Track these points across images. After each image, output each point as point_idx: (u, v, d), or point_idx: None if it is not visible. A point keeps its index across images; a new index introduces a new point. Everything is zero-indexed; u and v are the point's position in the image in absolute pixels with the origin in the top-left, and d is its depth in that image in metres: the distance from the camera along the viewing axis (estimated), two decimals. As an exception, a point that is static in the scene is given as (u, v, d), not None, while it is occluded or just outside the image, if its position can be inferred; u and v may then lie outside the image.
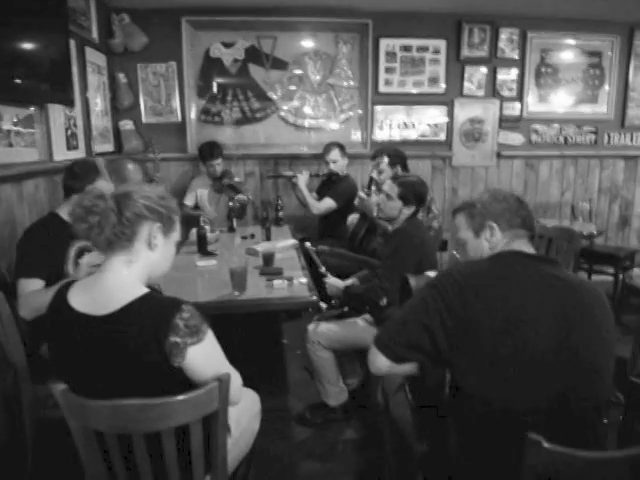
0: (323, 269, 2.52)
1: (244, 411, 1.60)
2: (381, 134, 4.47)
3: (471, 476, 1.25)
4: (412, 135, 4.50)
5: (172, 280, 2.42)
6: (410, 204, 2.41)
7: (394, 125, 4.47)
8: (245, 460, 1.57)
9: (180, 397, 1.17)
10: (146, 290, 1.24)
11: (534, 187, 4.73)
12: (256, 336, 2.85)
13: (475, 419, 1.23)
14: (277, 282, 2.24)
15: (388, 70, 4.34)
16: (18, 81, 2.33)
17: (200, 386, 1.21)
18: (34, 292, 1.90)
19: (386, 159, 3.35)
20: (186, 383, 1.28)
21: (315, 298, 2.16)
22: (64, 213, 2.05)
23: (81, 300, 1.21)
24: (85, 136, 3.45)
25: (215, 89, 4.31)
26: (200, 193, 4.01)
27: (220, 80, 4.30)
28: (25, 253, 1.99)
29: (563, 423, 1.18)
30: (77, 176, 2.10)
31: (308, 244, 2.61)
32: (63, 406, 1.21)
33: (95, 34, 3.67)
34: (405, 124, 4.48)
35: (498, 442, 1.19)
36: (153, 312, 1.18)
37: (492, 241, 1.39)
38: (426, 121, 4.50)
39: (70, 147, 3.17)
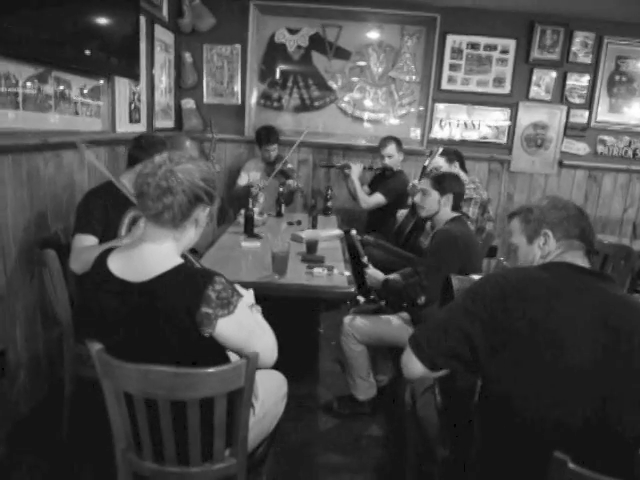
0: (365, 259, 2.50)
1: (270, 393, 1.62)
2: (440, 132, 4.39)
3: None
4: (472, 136, 4.40)
5: (217, 259, 2.49)
6: (446, 192, 2.38)
7: (454, 124, 4.38)
8: (266, 441, 1.59)
9: (208, 370, 1.20)
10: (180, 261, 1.27)
11: (595, 200, 4.53)
12: (293, 322, 2.88)
13: (503, 430, 1.19)
14: (317, 270, 2.25)
15: (452, 67, 4.25)
16: (88, 52, 2.42)
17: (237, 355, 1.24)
18: (86, 247, 2.00)
19: (440, 149, 3.31)
20: (218, 353, 1.31)
21: (353, 290, 2.15)
22: (126, 180, 2.13)
23: (120, 266, 1.25)
24: (148, 111, 3.55)
25: (277, 75, 4.35)
26: (253, 176, 4.06)
27: (282, 66, 4.33)
28: (83, 212, 2.10)
29: (596, 447, 1.13)
30: (143, 148, 2.18)
31: (354, 232, 2.60)
32: (97, 365, 1.26)
33: (165, 13, 3.76)
34: (465, 124, 4.38)
35: (523, 456, 1.15)
36: (186, 282, 1.21)
37: (545, 249, 1.33)
38: (487, 122, 4.38)
39: (132, 120, 3.28)
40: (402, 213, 3.52)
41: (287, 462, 2.11)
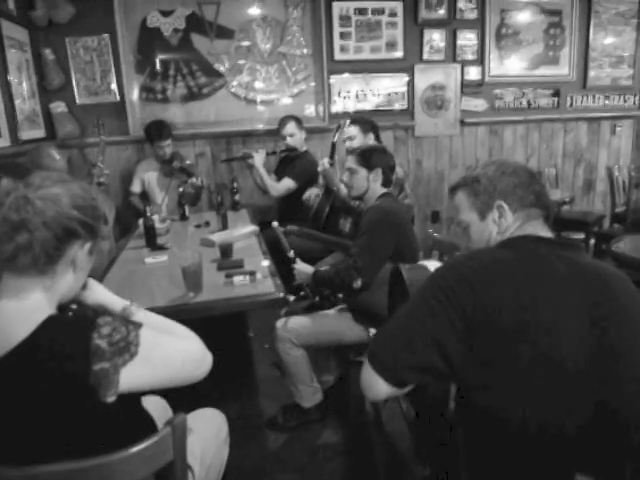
0: (291, 254, 2.28)
1: (209, 442, 1.35)
2: (339, 105, 4.19)
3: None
4: (372, 105, 4.24)
5: (119, 282, 2.12)
6: (374, 168, 2.23)
7: (352, 95, 4.19)
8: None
9: (123, 454, 0.91)
10: (49, 313, 0.95)
11: (499, 154, 4.56)
12: (218, 332, 2.59)
13: (492, 440, 1.01)
14: (237, 278, 1.96)
15: (343, 36, 4.04)
16: None
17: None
18: None
19: (348, 121, 3.11)
20: (132, 416, 1.04)
21: (282, 295, 1.90)
22: None
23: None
24: (8, 122, 3.04)
25: (156, 63, 3.91)
26: (148, 178, 3.68)
27: (160, 53, 3.89)
28: None
29: (598, 447, 0.97)
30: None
31: (275, 223, 2.35)
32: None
33: (12, 5, 3.23)
34: (364, 93, 4.21)
35: (519, 468, 0.99)
36: (63, 339, 0.91)
37: (502, 224, 1.15)
38: (386, 89, 4.23)
39: (-10, 135, 2.78)
40: (310, 193, 3.31)
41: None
